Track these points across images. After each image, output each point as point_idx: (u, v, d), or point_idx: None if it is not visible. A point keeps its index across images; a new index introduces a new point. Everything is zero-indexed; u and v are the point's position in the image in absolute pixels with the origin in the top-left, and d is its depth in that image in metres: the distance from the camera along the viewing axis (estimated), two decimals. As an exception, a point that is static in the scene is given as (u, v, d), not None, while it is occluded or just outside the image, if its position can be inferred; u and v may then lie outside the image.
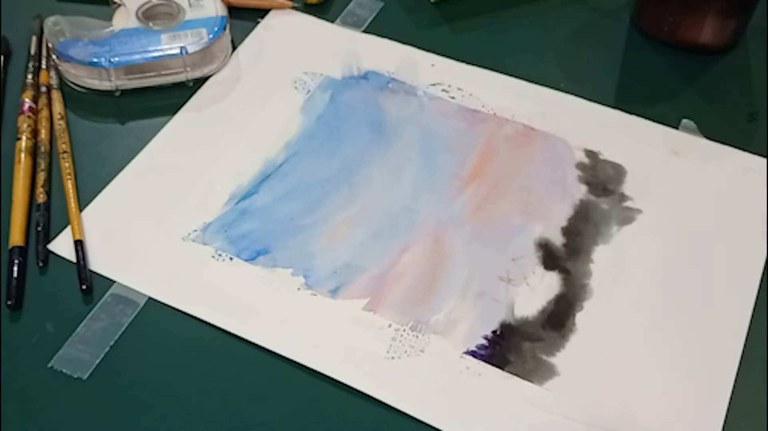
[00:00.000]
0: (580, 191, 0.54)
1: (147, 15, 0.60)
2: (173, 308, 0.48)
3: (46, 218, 0.52)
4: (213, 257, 0.50)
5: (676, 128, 0.57)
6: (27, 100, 0.57)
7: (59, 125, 0.56)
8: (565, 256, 0.51)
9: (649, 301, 0.49)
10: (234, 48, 0.62)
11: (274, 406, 0.45)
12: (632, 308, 0.48)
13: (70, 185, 0.53)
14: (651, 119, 0.57)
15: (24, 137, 0.55)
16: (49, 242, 0.51)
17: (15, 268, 0.49)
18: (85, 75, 0.58)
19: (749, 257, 0.51)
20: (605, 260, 0.50)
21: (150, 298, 0.49)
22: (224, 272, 0.50)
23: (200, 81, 0.60)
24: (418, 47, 0.62)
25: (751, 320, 0.48)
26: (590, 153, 0.56)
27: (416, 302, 0.49)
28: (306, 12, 0.65)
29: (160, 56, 0.57)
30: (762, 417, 0.45)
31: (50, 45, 0.58)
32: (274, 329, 0.47)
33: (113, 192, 0.54)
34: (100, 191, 0.53)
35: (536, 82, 0.60)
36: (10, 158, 0.54)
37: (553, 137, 0.57)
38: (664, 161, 0.55)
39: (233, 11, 0.62)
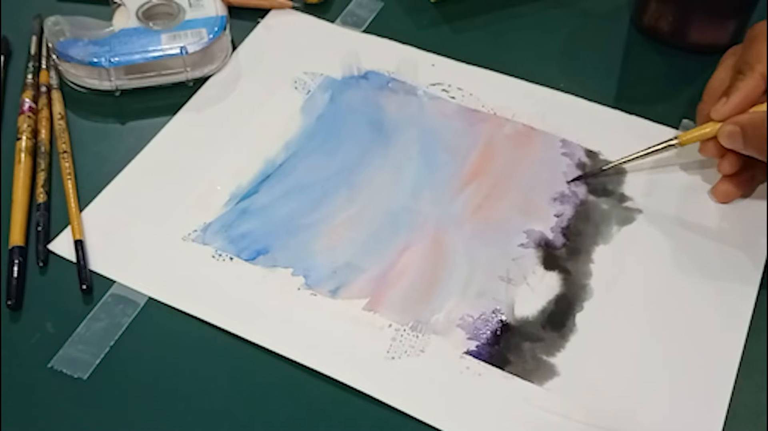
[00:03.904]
0: (580, 191, 0.54)
1: (147, 15, 0.60)
2: (173, 308, 0.48)
3: (46, 218, 0.52)
4: (213, 257, 0.50)
5: (676, 128, 0.57)
6: (27, 100, 0.57)
7: (59, 125, 0.56)
8: (565, 256, 0.51)
9: (650, 301, 0.49)
10: (234, 48, 0.62)
11: (274, 406, 0.45)
12: (632, 308, 0.48)
13: (70, 185, 0.53)
14: (651, 119, 0.57)
15: (24, 137, 0.55)
16: (49, 242, 0.51)
17: (15, 268, 0.49)
18: (85, 75, 0.58)
19: (749, 256, 0.51)
20: (605, 260, 0.50)
21: (150, 298, 0.49)
22: (224, 272, 0.50)
23: (200, 81, 0.60)
24: (418, 47, 0.62)
25: (751, 321, 0.48)
26: (590, 153, 0.56)
27: (416, 302, 0.49)
28: (306, 12, 0.65)
29: (160, 56, 0.57)
30: (762, 417, 0.45)
31: (50, 45, 0.58)
32: (274, 329, 0.47)
33: (113, 192, 0.54)
34: (100, 191, 0.53)
35: (536, 82, 0.60)
36: (10, 158, 0.54)
37: (553, 137, 0.57)
38: (665, 160, 0.55)
39: (233, 11, 0.62)
